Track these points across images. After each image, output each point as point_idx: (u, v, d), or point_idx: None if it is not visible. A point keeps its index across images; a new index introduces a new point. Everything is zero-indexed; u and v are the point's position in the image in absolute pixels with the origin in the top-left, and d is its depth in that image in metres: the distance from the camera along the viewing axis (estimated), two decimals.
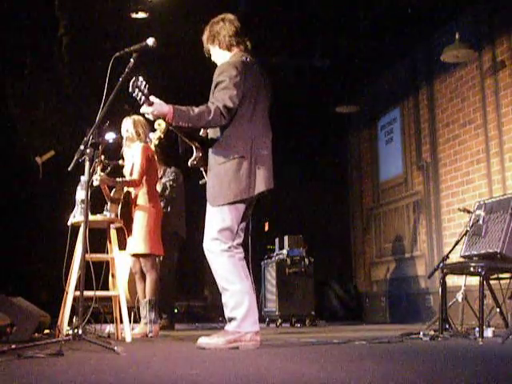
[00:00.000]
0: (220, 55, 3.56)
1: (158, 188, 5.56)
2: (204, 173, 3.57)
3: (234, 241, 3.37)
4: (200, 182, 3.58)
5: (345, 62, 7.57)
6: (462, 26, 6.22)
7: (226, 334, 3.28)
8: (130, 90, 3.23)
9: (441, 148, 6.98)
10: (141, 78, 3.25)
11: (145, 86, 3.25)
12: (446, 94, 6.91)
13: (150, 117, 3.32)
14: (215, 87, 3.36)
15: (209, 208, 3.42)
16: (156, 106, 3.25)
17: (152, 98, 3.28)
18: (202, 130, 3.57)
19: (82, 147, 3.25)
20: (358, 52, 7.32)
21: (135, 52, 3.35)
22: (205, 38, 3.62)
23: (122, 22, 6.37)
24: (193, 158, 3.55)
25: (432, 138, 7.16)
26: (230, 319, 3.31)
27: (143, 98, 3.24)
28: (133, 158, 4.76)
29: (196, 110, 3.25)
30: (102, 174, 4.43)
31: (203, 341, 3.26)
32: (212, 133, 3.47)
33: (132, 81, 3.23)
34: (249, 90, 3.37)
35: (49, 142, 7.39)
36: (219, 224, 3.33)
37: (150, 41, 3.37)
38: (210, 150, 3.45)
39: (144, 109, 3.28)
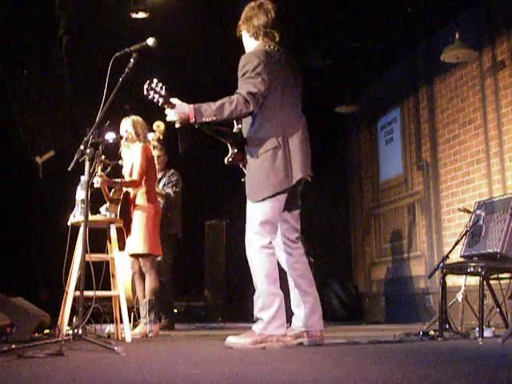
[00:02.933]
0: (247, 41, 3.55)
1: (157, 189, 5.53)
2: (244, 169, 3.53)
3: (275, 234, 3.37)
4: (242, 180, 3.52)
5: (345, 62, 7.56)
6: (462, 26, 6.22)
7: (252, 334, 3.28)
8: (145, 93, 3.23)
9: (441, 148, 6.97)
10: (155, 80, 3.24)
11: (161, 88, 3.24)
12: (445, 93, 6.91)
13: (175, 119, 3.27)
14: (240, 79, 3.34)
15: (249, 202, 3.39)
16: (178, 108, 3.25)
17: (173, 100, 3.27)
18: (235, 127, 3.53)
19: (81, 147, 3.26)
20: (358, 52, 7.32)
21: (135, 52, 3.36)
22: (241, 18, 3.56)
23: (122, 21, 6.36)
24: (228, 155, 3.50)
25: (432, 138, 7.16)
26: (257, 319, 3.31)
27: (161, 100, 3.24)
28: (132, 158, 4.75)
29: (217, 102, 3.22)
30: (102, 173, 4.42)
31: (231, 340, 3.27)
32: (245, 128, 3.44)
33: (146, 83, 3.23)
34: (274, 79, 3.32)
35: (49, 142, 7.39)
36: (260, 217, 3.31)
37: (150, 41, 3.38)
38: (246, 146, 3.43)
39: (167, 112, 3.28)
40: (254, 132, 3.37)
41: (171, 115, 3.29)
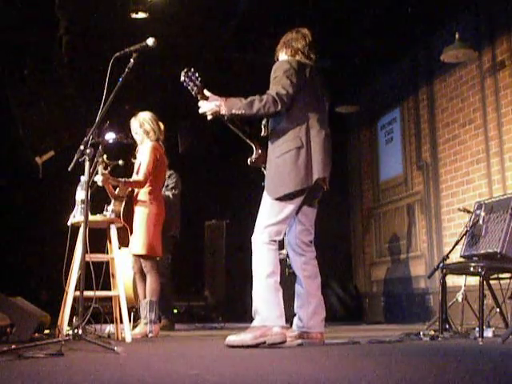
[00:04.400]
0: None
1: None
2: (265, 171, 3.61)
3: (280, 234, 3.45)
4: (263, 184, 3.60)
5: (345, 62, 7.56)
6: (462, 26, 6.22)
7: (252, 329, 3.30)
8: (182, 79, 3.34)
9: (441, 148, 6.98)
10: (193, 70, 3.36)
11: (197, 78, 3.37)
12: (445, 93, 6.91)
13: (207, 110, 3.38)
14: (272, 82, 3.47)
15: (265, 200, 3.46)
16: (210, 100, 3.37)
17: (206, 92, 3.39)
18: (263, 130, 3.62)
19: (81, 147, 3.26)
20: (358, 52, 7.32)
21: (135, 52, 3.37)
22: (278, 47, 3.74)
23: (122, 22, 6.36)
24: (253, 156, 3.61)
25: (432, 138, 7.16)
26: (255, 313, 3.34)
27: (195, 89, 3.36)
28: (141, 156, 4.73)
29: (248, 98, 3.35)
30: (105, 172, 4.41)
31: (231, 338, 3.28)
32: (270, 128, 3.54)
33: (184, 71, 3.35)
34: (303, 85, 3.46)
35: (49, 142, 7.39)
36: (269, 219, 3.41)
37: (150, 41, 3.39)
38: (269, 144, 3.52)
39: (200, 103, 3.40)
40: (279, 131, 3.47)
41: (204, 106, 3.40)
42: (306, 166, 3.38)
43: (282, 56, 3.69)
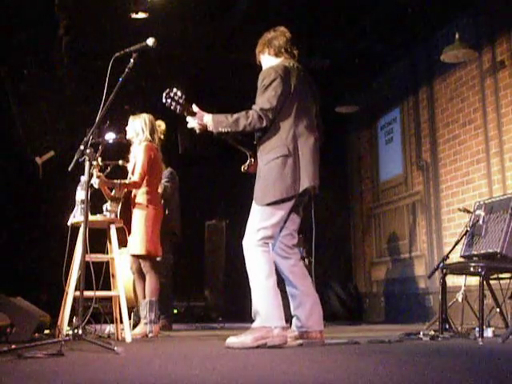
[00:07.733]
0: (268, 61, 3.67)
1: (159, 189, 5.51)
2: None
3: (272, 239, 3.44)
4: None
5: (345, 62, 7.56)
6: (462, 26, 6.22)
7: (252, 331, 3.29)
8: (163, 100, 3.38)
9: (441, 148, 6.98)
10: (175, 90, 3.38)
11: (180, 97, 3.39)
12: (445, 93, 6.91)
13: (194, 126, 3.43)
14: (258, 92, 3.48)
15: (253, 207, 3.47)
16: (197, 116, 3.41)
17: (194, 108, 3.42)
18: (255, 139, 3.63)
19: (82, 147, 3.26)
20: (358, 52, 7.31)
21: (135, 52, 3.38)
22: (257, 49, 3.73)
23: (122, 22, 6.36)
24: (247, 163, 3.66)
25: (432, 138, 7.16)
26: (255, 314, 3.34)
27: (179, 107, 3.38)
28: (135, 158, 4.74)
29: (234, 115, 3.37)
30: (101, 174, 4.42)
31: (231, 340, 3.27)
32: (258, 136, 3.54)
33: (166, 92, 3.38)
34: (290, 92, 3.46)
35: (49, 142, 7.39)
36: (260, 223, 3.40)
37: (150, 41, 3.39)
38: (258, 152, 3.54)
39: (188, 119, 3.45)
40: (266, 139, 3.47)
41: (191, 122, 3.45)
42: (292, 174, 3.38)
43: (265, 57, 3.67)
